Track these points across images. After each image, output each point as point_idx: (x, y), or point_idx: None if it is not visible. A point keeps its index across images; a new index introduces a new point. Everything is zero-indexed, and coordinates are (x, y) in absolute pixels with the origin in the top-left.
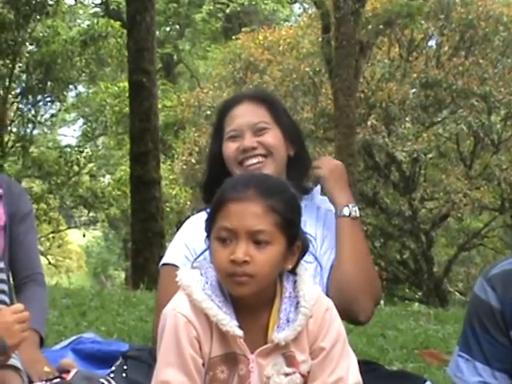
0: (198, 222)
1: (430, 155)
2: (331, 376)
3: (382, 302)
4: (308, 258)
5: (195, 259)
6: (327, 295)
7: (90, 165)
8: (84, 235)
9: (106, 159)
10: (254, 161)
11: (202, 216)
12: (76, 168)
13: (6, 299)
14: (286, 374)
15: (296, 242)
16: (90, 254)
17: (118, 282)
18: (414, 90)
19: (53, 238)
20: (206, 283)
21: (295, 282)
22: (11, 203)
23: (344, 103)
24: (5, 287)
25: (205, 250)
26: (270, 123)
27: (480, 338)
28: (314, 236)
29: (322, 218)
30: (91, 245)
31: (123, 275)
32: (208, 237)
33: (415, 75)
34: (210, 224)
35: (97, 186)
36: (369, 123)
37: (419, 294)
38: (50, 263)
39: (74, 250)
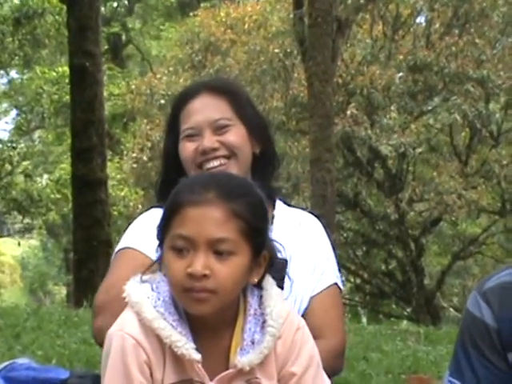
0: (151, 219)
1: (419, 149)
2: None
3: (364, 319)
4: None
5: (145, 270)
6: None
7: (25, 163)
8: (19, 244)
9: (44, 156)
10: (216, 163)
11: (156, 213)
12: (8, 167)
13: None
14: None
15: (262, 252)
16: (26, 266)
17: (58, 299)
18: (400, 75)
19: None
20: (158, 299)
21: (261, 297)
22: None
23: (319, 90)
24: None
25: (157, 260)
26: (232, 119)
27: (473, 361)
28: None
29: (295, 231)
30: (27, 256)
31: (64, 291)
32: (160, 246)
33: (402, 57)
34: (162, 231)
35: (33, 187)
36: (348, 113)
37: (408, 310)
38: None
39: (7, 262)
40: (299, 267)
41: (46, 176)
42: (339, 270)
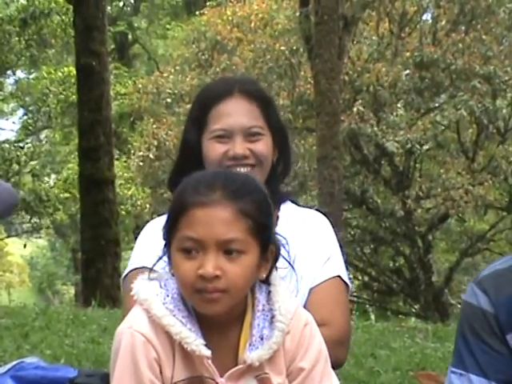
0: (157, 230)
1: (426, 146)
2: None
3: (372, 317)
4: (280, 262)
5: (153, 266)
6: None
7: (33, 163)
8: (25, 246)
9: (51, 156)
10: (243, 170)
11: (162, 221)
12: (16, 166)
13: None
14: None
15: (269, 247)
16: (34, 266)
17: (66, 299)
18: (406, 72)
19: None
20: (167, 296)
21: (269, 293)
22: None
23: (326, 87)
24: None
25: (161, 257)
26: (263, 128)
27: (474, 348)
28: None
29: (298, 228)
30: (35, 256)
31: (73, 290)
32: (166, 246)
33: (408, 54)
34: (169, 232)
35: (40, 187)
36: (355, 110)
37: (416, 307)
38: None
39: (16, 262)
40: (302, 263)
41: (53, 176)
42: (347, 268)
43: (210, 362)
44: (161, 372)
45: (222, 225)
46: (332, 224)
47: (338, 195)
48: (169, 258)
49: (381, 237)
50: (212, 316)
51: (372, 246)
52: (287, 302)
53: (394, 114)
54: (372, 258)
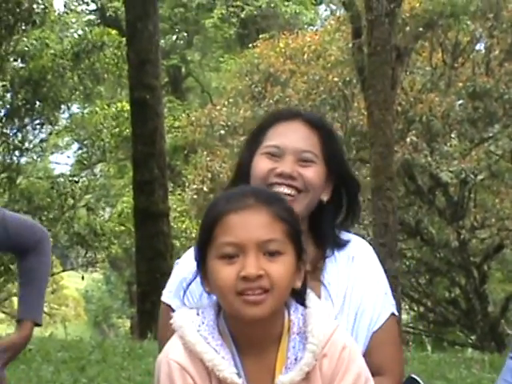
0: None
1: (480, 176)
2: None
3: (429, 347)
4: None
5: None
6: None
7: (87, 196)
8: (82, 278)
9: (106, 189)
10: (286, 191)
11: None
12: (71, 201)
13: None
14: None
15: (302, 257)
16: (90, 299)
17: (122, 332)
18: (460, 102)
19: None
20: (202, 323)
21: (305, 315)
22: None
23: (379, 118)
24: None
25: (190, 283)
26: (318, 157)
27: None
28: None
29: (351, 269)
30: (91, 289)
31: (128, 323)
32: (199, 265)
33: (461, 84)
34: (202, 247)
35: (95, 220)
36: (408, 140)
37: (472, 337)
38: None
39: (71, 296)
40: (360, 304)
41: (108, 209)
42: (402, 299)
43: None
44: None
45: (260, 226)
46: (377, 252)
47: (392, 226)
48: (201, 277)
49: (436, 267)
50: (247, 334)
51: (427, 277)
52: (322, 324)
53: (448, 144)
54: (427, 289)
